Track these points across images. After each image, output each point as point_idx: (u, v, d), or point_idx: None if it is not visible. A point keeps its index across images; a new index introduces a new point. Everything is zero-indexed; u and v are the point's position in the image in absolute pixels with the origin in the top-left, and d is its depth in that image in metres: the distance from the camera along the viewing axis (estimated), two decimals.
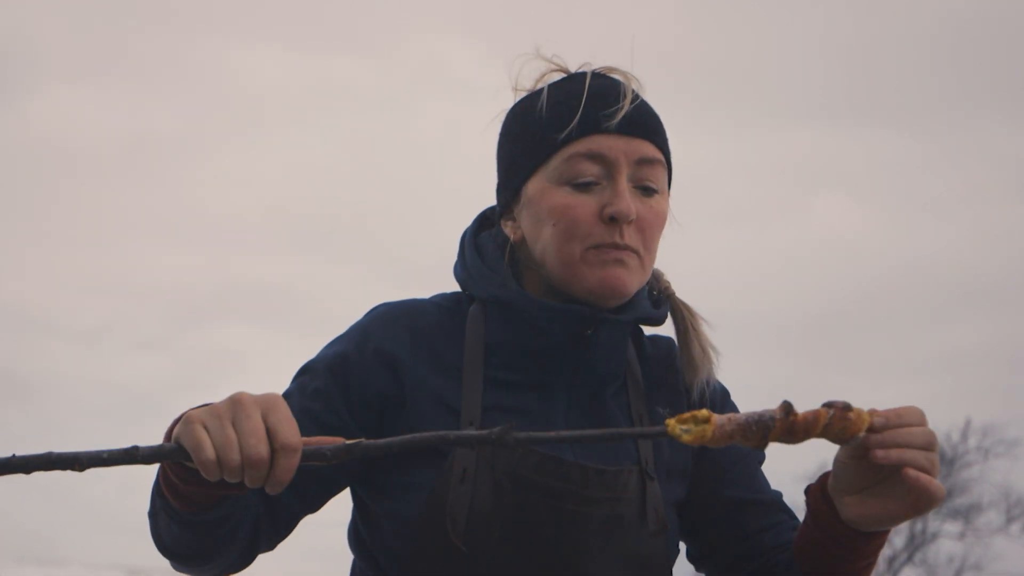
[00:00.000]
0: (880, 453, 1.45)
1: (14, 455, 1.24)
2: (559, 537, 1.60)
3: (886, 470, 1.49)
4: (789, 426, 1.37)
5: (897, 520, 1.52)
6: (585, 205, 1.62)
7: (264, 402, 1.34)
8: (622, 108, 1.63)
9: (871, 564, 1.61)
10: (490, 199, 1.76)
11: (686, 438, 1.34)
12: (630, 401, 1.70)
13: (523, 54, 1.71)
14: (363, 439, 1.35)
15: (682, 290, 1.77)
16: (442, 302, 1.72)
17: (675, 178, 1.72)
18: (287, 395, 1.64)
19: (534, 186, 1.65)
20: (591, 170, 1.62)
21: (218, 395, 1.42)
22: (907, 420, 1.47)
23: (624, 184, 1.62)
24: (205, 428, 1.33)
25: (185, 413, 1.38)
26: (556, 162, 1.63)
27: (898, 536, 27.86)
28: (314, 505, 1.67)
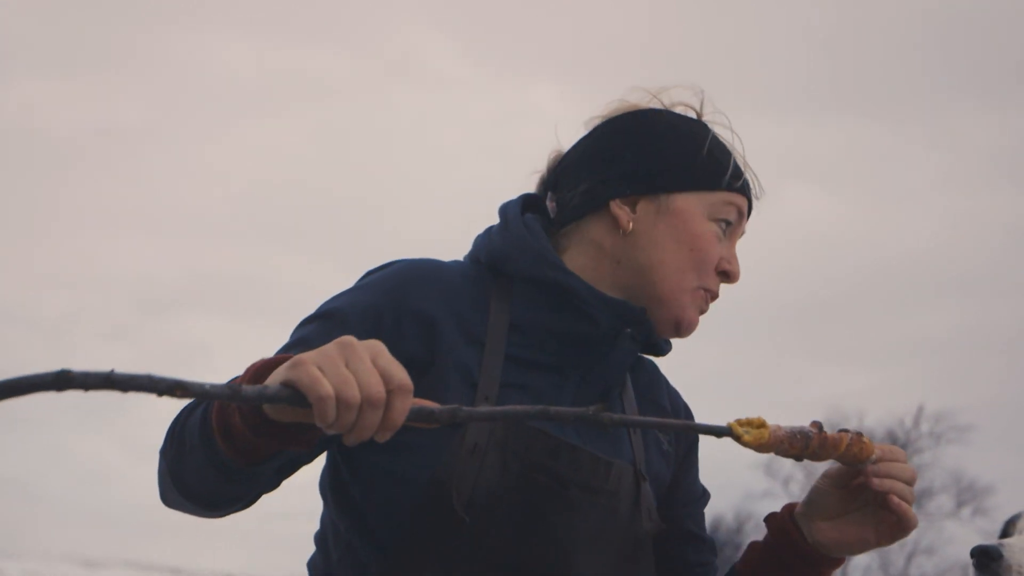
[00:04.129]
0: (876, 481, 1.64)
1: (114, 371, 1.17)
2: (558, 522, 1.62)
3: (861, 500, 1.67)
4: (822, 442, 1.51)
5: (869, 546, 1.70)
6: (719, 251, 1.73)
7: (371, 347, 1.33)
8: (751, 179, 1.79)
9: None
10: (461, 191, 2.03)
11: (747, 439, 1.44)
12: (625, 410, 1.75)
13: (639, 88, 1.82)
14: (463, 407, 1.33)
15: None
16: (465, 271, 1.72)
17: None
18: (304, 340, 1.60)
19: (686, 204, 1.71)
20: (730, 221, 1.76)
21: None
22: (897, 456, 1.66)
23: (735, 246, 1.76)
24: (319, 368, 1.29)
25: (274, 357, 1.40)
26: (715, 199, 1.73)
27: None
28: (314, 453, 1.65)
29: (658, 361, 1.88)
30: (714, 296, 1.75)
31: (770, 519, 1.76)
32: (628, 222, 1.71)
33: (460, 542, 1.59)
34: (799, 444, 1.49)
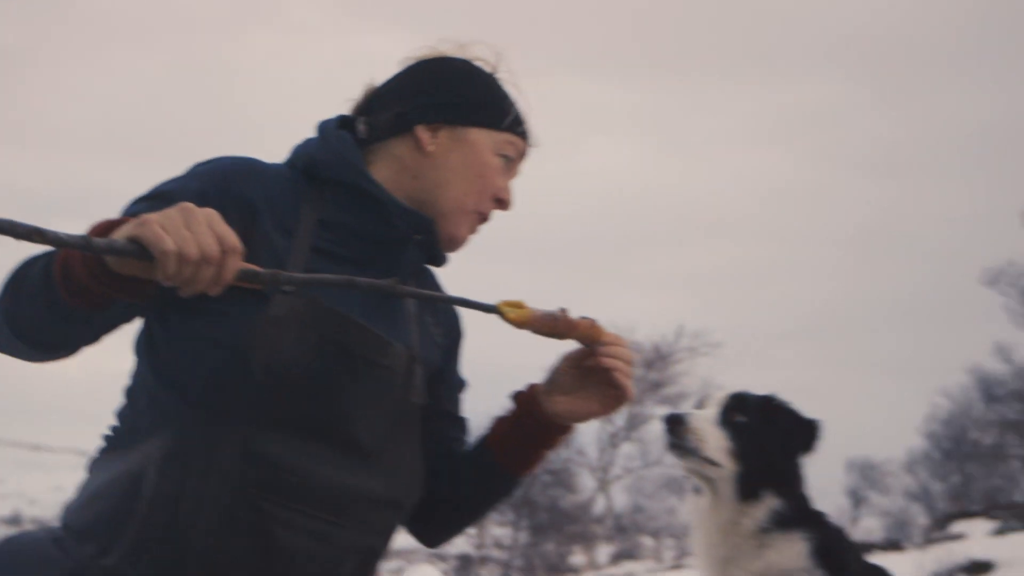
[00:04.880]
0: (604, 359, 1.95)
1: None
2: (343, 388, 1.85)
3: (591, 377, 1.98)
4: (566, 323, 1.84)
5: (595, 416, 2.03)
6: (499, 182, 2.04)
7: (208, 213, 1.53)
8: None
9: (555, 450, 2.08)
10: (303, 127, 2.02)
11: (510, 316, 1.74)
12: (411, 305, 2.03)
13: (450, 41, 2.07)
14: (283, 271, 1.56)
15: None
16: (283, 172, 1.95)
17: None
18: (136, 216, 1.70)
19: (479, 138, 1.99)
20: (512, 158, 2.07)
21: None
22: (622, 342, 1.97)
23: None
24: (163, 227, 1.49)
25: (116, 219, 1.57)
26: (501, 138, 2.05)
27: (620, 418, 32.34)
28: (136, 312, 1.84)
29: (468, 286, 2.05)
30: (484, 220, 2.03)
31: (516, 395, 2.05)
32: (429, 145, 1.97)
33: (257, 399, 1.78)
34: (549, 323, 1.81)
